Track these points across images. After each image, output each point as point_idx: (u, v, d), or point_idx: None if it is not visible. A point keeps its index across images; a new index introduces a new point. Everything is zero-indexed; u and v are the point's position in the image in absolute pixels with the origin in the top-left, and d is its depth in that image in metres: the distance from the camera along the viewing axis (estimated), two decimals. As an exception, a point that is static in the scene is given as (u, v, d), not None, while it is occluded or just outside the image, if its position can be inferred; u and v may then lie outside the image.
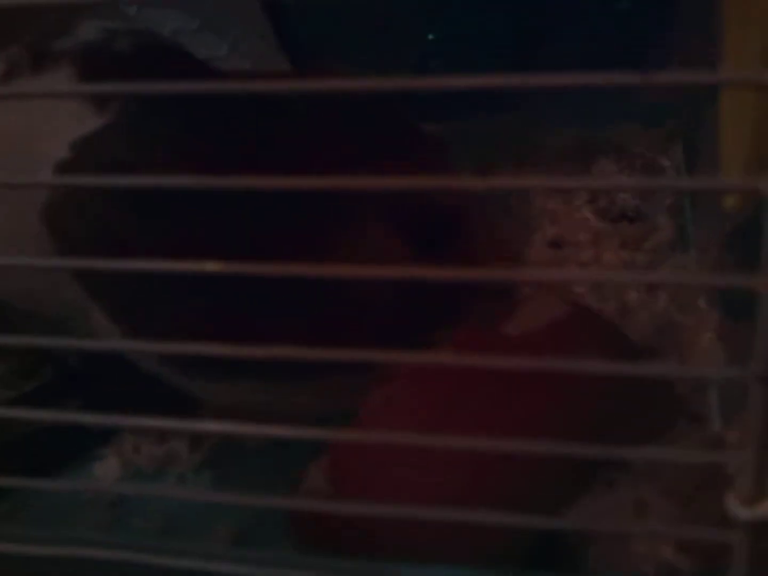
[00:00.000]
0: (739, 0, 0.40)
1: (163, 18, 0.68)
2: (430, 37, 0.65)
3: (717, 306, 0.50)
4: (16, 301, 0.47)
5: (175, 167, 0.29)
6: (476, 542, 0.38)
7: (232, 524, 0.46)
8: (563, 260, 0.59)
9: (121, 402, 0.34)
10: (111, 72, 0.41)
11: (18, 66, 0.45)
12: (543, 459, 0.37)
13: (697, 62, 0.56)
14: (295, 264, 0.28)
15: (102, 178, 0.29)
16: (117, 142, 0.42)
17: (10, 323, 0.49)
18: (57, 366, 0.55)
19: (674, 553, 0.35)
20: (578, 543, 0.38)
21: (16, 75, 0.45)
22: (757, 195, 0.26)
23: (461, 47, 0.68)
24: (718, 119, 0.59)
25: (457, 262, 0.28)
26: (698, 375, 0.37)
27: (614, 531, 0.36)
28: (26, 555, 0.37)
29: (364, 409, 0.41)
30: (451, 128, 0.61)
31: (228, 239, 0.40)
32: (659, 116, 0.71)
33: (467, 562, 0.36)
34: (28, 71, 0.45)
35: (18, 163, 0.43)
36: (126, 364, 0.48)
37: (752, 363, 0.26)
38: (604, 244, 0.61)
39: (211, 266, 0.29)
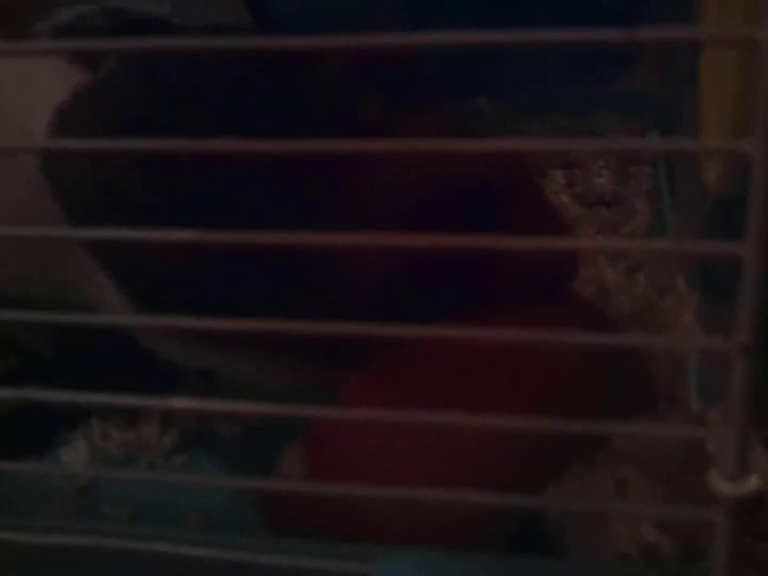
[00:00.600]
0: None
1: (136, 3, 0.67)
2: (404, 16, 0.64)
3: (696, 287, 0.50)
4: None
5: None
6: (454, 526, 0.37)
7: (203, 511, 0.44)
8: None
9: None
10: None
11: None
12: (521, 441, 0.37)
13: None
14: (298, 233, 0.27)
15: (98, 141, 0.28)
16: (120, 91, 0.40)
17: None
18: (22, 354, 0.53)
19: (656, 534, 0.34)
20: (557, 525, 0.37)
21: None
22: (743, 159, 0.26)
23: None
24: (695, 106, 0.59)
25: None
26: (680, 347, 0.37)
27: (595, 511, 0.35)
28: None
29: (346, 392, 0.40)
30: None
31: (232, 205, 0.39)
32: (636, 106, 0.71)
33: (444, 546, 0.35)
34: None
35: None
36: (109, 348, 0.47)
37: (734, 333, 0.26)
38: (581, 229, 0.61)
39: (188, 235, 0.28)
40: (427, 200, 0.40)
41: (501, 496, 0.30)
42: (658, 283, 0.52)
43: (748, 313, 0.25)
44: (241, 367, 0.43)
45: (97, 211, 0.41)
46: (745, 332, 0.26)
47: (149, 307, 0.42)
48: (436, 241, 0.27)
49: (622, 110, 0.71)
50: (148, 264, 0.41)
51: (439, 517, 0.37)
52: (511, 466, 0.37)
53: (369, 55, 0.37)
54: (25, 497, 0.46)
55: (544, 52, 0.70)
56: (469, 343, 0.35)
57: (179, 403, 0.36)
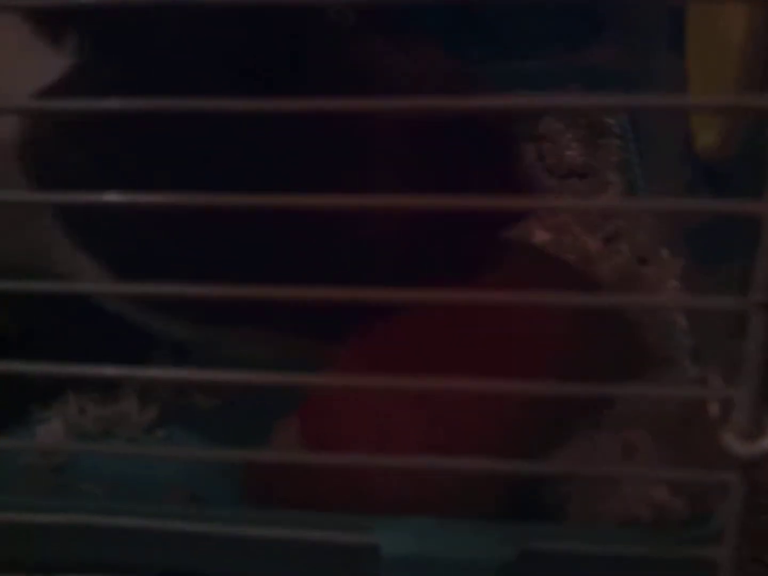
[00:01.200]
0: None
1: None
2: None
3: (680, 254, 0.50)
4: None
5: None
6: (454, 492, 0.36)
7: (184, 487, 0.43)
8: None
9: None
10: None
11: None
12: (520, 405, 0.36)
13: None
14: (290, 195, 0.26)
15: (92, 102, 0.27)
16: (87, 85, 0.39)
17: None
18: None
19: (667, 495, 0.34)
20: (560, 490, 0.37)
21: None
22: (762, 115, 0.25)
23: None
24: (665, 76, 0.59)
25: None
26: (693, 305, 0.36)
27: (606, 474, 0.35)
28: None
29: (338, 361, 0.39)
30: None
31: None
32: (602, 80, 0.70)
33: (446, 514, 0.34)
34: None
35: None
36: (78, 321, 0.46)
37: (752, 291, 0.25)
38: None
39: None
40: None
41: (505, 462, 0.29)
42: (640, 251, 0.52)
43: (766, 271, 0.25)
44: (222, 341, 0.42)
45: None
46: (764, 290, 0.25)
47: (126, 277, 0.40)
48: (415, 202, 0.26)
49: (588, 84, 0.71)
50: (129, 233, 0.39)
51: (439, 484, 0.36)
52: (512, 430, 0.37)
53: None
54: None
55: (509, 24, 0.70)
56: (457, 307, 0.34)
57: (167, 373, 0.35)
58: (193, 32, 0.38)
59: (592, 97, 0.27)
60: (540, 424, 0.36)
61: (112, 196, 0.28)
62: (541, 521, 0.36)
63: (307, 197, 0.26)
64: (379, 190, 0.26)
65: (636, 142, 0.64)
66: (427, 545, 0.33)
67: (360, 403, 0.38)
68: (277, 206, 0.27)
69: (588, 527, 0.35)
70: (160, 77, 0.38)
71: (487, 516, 0.35)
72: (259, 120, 0.25)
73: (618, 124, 0.67)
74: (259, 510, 0.40)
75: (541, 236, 0.53)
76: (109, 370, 0.30)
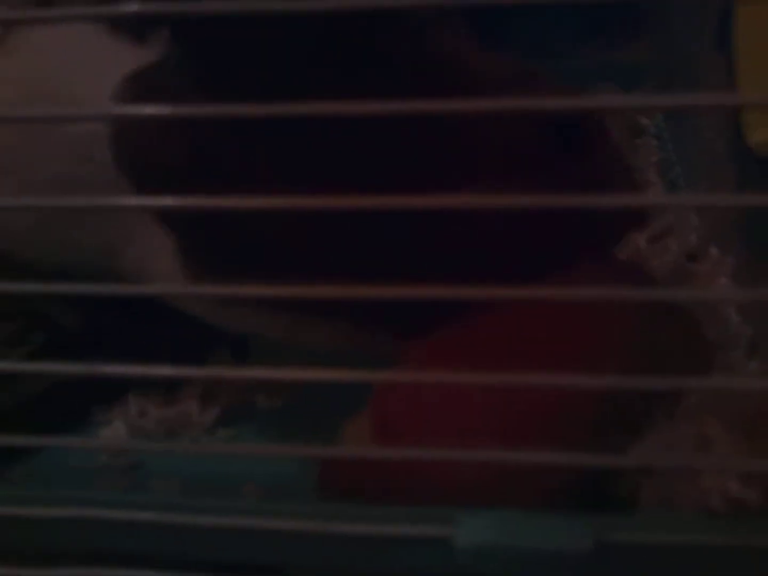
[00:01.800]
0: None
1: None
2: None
3: (732, 251, 0.50)
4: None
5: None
6: (532, 485, 0.37)
7: (255, 485, 0.44)
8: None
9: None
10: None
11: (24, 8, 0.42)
12: (593, 399, 0.37)
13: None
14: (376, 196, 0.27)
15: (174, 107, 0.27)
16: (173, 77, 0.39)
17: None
18: (49, 331, 0.52)
19: (741, 487, 0.34)
20: (633, 481, 0.37)
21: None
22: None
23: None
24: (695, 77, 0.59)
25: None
26: (750, 298, 0.36)
27: (681, 466, 0.35)
28: (45, 518, 0.35)
29: (407, 357, 0.40)
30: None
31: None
32: (636, 77, 0.71)
33: (523, 505, 0.35)
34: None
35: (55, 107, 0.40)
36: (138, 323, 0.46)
37: None
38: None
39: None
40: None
41: (582, 455, 0.30)
42: (689, 249, 0.52)
43: None
44: (295, 333, 0.43)
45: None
46: None
47: (206, 272, 0.41)
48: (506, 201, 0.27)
49: (622, 81, 0.71)
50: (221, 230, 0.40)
51: (514, 475, 0.36)
52: (588, 423, 0.37)
53: None
54: (70, 478, 0.45)
55: (544, 21, 0.70)
56: (532, 304, 0.34)
57: (232, 372, 0.35)
58: (279, 30, 0.38)
59: (646, 98, 0.27)
60: (616, 417, 0.37)
61: (206, 200, 0.28)
62: (615, 512, 0.36)
63: (400, 198, 0.27)
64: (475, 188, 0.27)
65: (675, 141, 0.64)
66: (503, 537, 0.34)
67: (433, 397, 0.38)
68: (369, 206, 0.27)
69: (662, 518, 0.35)
70: (244, 74, 0.39)
71: (562, 507, 0.36)
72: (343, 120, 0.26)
73: (654, 124, 0.68)
74: (331, 505, 0.40)
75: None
76: (170, 370, 0.31)
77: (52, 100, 0.41)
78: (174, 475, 0.44)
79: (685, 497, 0.35)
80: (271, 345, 0.50)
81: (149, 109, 0.29)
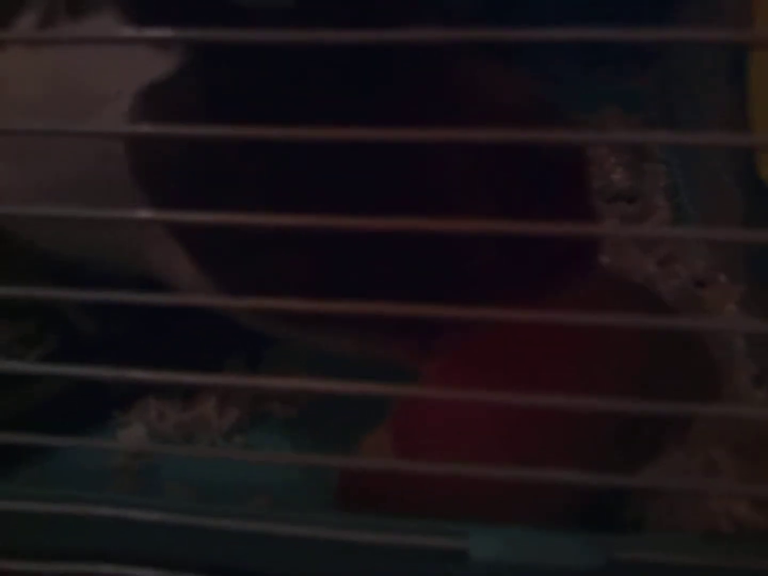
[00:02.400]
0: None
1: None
2: None
3: (740, 279, 0.51)
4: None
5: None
6: (541, 503, 0.38)
7: (268, 492, 0.44)
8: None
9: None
10: (162, 10, 0.38)
11: (54, 12, 0.43)
12: (606, 420, 0.38)
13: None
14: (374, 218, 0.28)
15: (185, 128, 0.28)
16: (192, 88, 0.40)
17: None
18: (64, 333, 0.53)
19: (748, 510, 0.36)
20: (641, 502, 0.38)
21: (53, 22, 0.43)
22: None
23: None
24: (700, 102, 0.60)
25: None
26: (757, 329, 0.37)
27: (690, 489, 0.36)
28: (59, 515, 0.36)
29: (427, 372, 0.41)
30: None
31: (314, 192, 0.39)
32: (639, 101, 0.72)
33: (531, 522, 0.36)
34: (66, 17, 0.43)
35: (76, 107, 0.41)
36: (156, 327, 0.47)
37: None
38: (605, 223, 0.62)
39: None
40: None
41: (597, 475, 0.31)
42: (697, 275, 0.54)
43: None
44: (319, 339, 0.44)
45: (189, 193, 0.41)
46: None
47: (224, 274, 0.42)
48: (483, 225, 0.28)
49: (625, 105, 0.72)
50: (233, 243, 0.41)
51: (528, 492, 0.37)
52: (599, 446, 0.38)
53: None
54: (85, 479, 0.45)
55: (553, 46, 0.71)
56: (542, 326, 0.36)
57: (250, 380, 0.36)
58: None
59: (660, 133, 0.28)
60: (627, 439, 0.38)
61: (223, 217, 0.29)
62: (625, 532, 0.38)
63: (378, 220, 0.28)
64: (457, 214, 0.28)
65: (684, 168, 0.65)
66: (516, 552, 0.35)
67: (450, 412, 0.39)
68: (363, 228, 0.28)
69: (674, 538, 0.36)
70: (258, 95, 0.40)
71: (573, 525, 0.37)
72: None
73: (662, 149, 0.69)
74: (346, 514, 0.41)
75: (600, 258, 0.54)
76: (188, 377, 0.32)
77: (78, 98, 0.42)
78: (189, 479, 0.45)
79: (691, 520, 0.36)
80: (285, 353, 0.51)
81: (161, 129, 0.30)
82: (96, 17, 0.42)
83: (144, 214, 0.36)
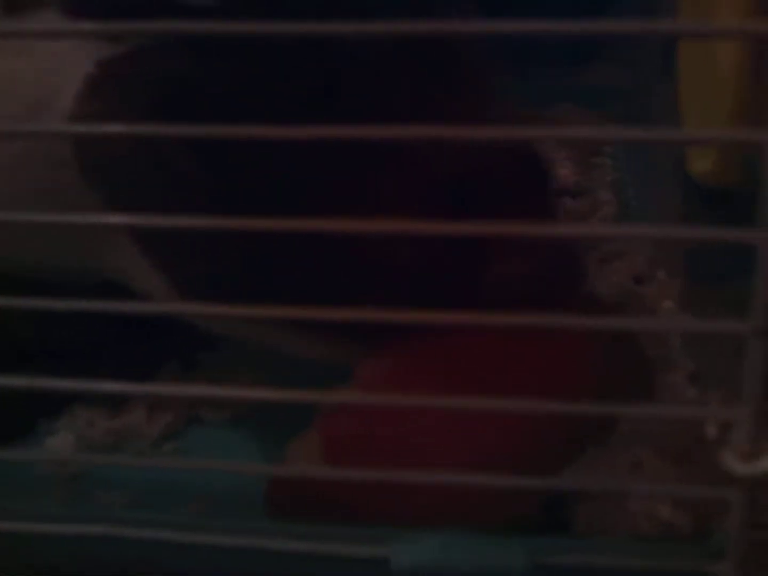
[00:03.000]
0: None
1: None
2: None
3: (679, 276, 0.51)
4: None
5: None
6: (470, 509, 0.37)
7: (200, 499, 0.44)
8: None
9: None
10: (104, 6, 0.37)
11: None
12: (536, 423, 0.37)
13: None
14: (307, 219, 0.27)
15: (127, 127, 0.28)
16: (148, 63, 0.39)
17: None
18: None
19: (671, 512, 0.35)
20: (570, 505, 0.38)
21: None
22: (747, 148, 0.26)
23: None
24: (664, 102, 0.60)
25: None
26: (693, 328, 0.37)
27: (615, 491, 0.36)
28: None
29: (360, 377, 0.40)
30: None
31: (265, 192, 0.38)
32: (594, 97, 0.71)
33: (459, 528, 0.35)
34: (3, 14, 0.42)
35: (25, 108, 0.40)
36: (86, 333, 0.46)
37: (751, 317, 0.26)
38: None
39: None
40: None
41: (522, 478, 0.30)
42: (637, 272, 0.53)
43: (764, 297, 0.26)
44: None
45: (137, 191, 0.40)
46: (762, 316, 0.26)
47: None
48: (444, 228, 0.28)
49: (580, 102, 0.72)
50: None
51: (455, 497, 0.37)
52: (528, 448, 0.38)
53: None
54: (9, 488, 0.44)
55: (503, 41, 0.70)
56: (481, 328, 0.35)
57: (176, 389, 0.36)
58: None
59: (588, 130, 0.28)
60: (552, 442, 0.37)
61: (178, 220, 0.28)
62: (550, 535, 0.37)
63: (331, 221, 0.27)
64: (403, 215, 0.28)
65: (629, 162, 0.64)
66: (439, 558, 0.34)
67: (378, 417, 0.38)
68: (318, 230, 0.28)
69: (600, 541, 0.36)
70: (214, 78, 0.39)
71: (499, 529, 0.36)
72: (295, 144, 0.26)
73: (611, 144, 0.68)
74: (269, 522, 0.40)
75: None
76: (116, 386, 0.31)
77: (17, 101, 0.41)
78: (119, 486, 0.44)
79: (615, 522, 0.36)
80: (221, 357, 0.50)
81: (112, 128, 0.29)
82: (37, 14, 0.41)
83: (114, 219, 0.35)
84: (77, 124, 0.40)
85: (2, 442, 0.46)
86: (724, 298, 0.41)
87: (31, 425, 0.48)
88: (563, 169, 0.66)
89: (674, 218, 0.52)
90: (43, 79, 0.41)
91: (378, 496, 0.37)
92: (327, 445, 0.39)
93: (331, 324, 0.29)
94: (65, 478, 0.46)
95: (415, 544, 0.34)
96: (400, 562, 0.34)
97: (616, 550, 0.34)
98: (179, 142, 0.38)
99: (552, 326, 0.30)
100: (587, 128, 0.28)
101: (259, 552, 0.36)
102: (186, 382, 0.48)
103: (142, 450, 0.47)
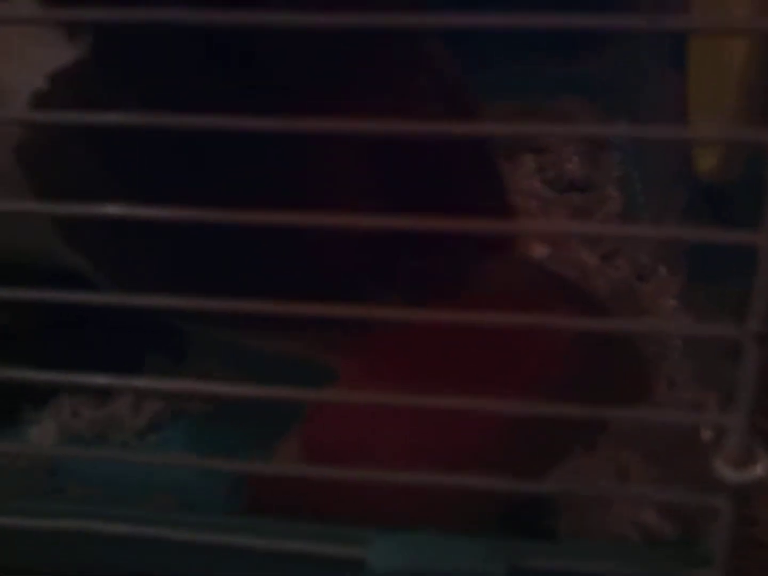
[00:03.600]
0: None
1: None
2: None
3: (680, 272, 0.50)
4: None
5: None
6: (450, 508, 0.36)
7: (174, 493, 0.43)
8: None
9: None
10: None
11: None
12: (517, 423, 0.36)
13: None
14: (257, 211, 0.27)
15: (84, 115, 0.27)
16: (95, 77, 0.39)
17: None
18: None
19: (657, 517, 0.34)
20: (552, 508, 0.37)
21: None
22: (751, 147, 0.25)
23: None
24: (664, 91, 0.59)
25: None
26: (689, 332, 0.36)
27: (600, 495, 0.35)
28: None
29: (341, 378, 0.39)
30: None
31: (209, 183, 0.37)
32: (601, 89, 0.70)
33: (439, 528, 0.34)
34: None
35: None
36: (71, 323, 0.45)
37: (748, 321, 0.25)
38: (554, 213, 0.60)
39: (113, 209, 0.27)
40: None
41: (497, 479, 0.29)
42: (639, 268, 0.52)
43: (763, 302, 0.25)
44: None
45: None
46: (760, 321, 0.25)
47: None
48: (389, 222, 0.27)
49: (587, 94, 0.71)
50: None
51: (433, 498, 0.36)
52: (509, 448, 0.37)
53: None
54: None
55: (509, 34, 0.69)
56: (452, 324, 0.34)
57: (160, 383, 0.35)
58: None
59: (592, 127, 0.27)
60: (535, 443, 0.36)
61: (110, 208, 0.28)
62: (531, 538, 0.36)
63: (284, 214, 0.26)
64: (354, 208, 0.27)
65: (637, 157, 0.63)
66: (416, 560, 0.34)
67: (358, 416, 0.38)
68: (274, 222, 0.27)
69: (578, 545, 0.35)
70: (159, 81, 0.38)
71: (478, 532, 0.35)
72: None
73: (619, 139, 0.67)
74: (243, 518, 0.39)
75: (538, 251, 0.53)
76: (101, 379, 0.31)
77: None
78: (95, 478, 0.43)
79: (599, 526, 0.35)
80: (210, 348, 0.49)
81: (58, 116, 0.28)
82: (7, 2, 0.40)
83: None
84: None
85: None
86: (724, 297, 0.39)
87: (14, 414, 0.47)
88: (570, 163, 0.65)
89: (677, 215, 0.51)
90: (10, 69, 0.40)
91: (352, 494, 0.36)
92: (305, 450, 0.38)
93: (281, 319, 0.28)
94: (45, 469, 0.45)
95: (392, 546, 0.34)
96: (376, 564, 0.33)
97: (599, 555, 0.33)
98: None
99: (545, 326, 0.29)
100: (587, 125, 0.26)
101: (234, 550, 0.35)
102: (174, 373, 0.47)
103: (125, 441, 0.46)
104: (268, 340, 0.41)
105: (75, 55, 0.39)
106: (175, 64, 0.38)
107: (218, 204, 0.26)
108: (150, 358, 0.49)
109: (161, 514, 0.38)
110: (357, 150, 0.38)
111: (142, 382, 0.33)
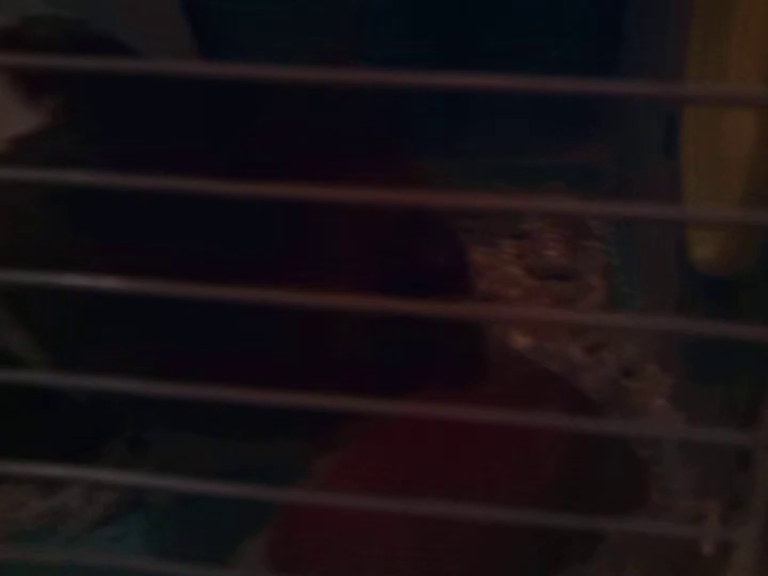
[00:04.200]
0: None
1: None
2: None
3: (672, 370, 0.47)
4: None
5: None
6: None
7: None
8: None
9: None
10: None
11: None
12: (508, 530, 0.33)
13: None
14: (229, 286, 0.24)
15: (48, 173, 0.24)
16: (58, 143, 0.36)
17: None
18: None
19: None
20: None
21: None
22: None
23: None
24: (647, 182, 0.57)
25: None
26: (693, 437, 0.34)
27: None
28: None
29: (316, 475, 0.36)
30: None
31: (183, 252, 0.35)
32: (584, 177, 0.69)
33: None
34: None
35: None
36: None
37: (760, 428, 0.23)
38: (534, 301, 0.58)
39: (110, 282, 0.25)
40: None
41: None
42: (626, 363, 0.50)
43: None
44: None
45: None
46: None
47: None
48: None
49: (569, 182, 0.70)
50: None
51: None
52: (501, 557, 0.34)
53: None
54: None
55: (500, 120, 0.68)
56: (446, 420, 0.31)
57: (117, 476, 0.32)
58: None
59: (586, 204, 0.25)
60: (531, 551, 0.34)
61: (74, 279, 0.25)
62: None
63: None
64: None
65: (623, 246, 0.62)
66: None
67: (333, 518, 0.34)
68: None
69: None
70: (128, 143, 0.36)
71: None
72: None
73: (601, 227, 0.65)
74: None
75: (521, 341, 0.50)
76: (50, 470, 0.28)
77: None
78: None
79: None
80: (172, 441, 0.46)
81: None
82: None
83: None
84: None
85: None
86: (726, 400, 0.37)
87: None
88: (551, 250, 0.63)
89: (670, 308, 0.49)
90: None
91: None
92: (272, 553, 0.35)
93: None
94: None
95: None
96: None
97: None
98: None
99: (537, 425, 0.26)
100: (576, 203, 0.24)
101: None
102: (132, 462, 0.44)
103: (75, 536, 0.42)
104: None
105: (37, 121, 0.37)
106: (145, 128, 0.36)
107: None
108: (107, 446, 0.46)
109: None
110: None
111: (95, 474, 0.30)
